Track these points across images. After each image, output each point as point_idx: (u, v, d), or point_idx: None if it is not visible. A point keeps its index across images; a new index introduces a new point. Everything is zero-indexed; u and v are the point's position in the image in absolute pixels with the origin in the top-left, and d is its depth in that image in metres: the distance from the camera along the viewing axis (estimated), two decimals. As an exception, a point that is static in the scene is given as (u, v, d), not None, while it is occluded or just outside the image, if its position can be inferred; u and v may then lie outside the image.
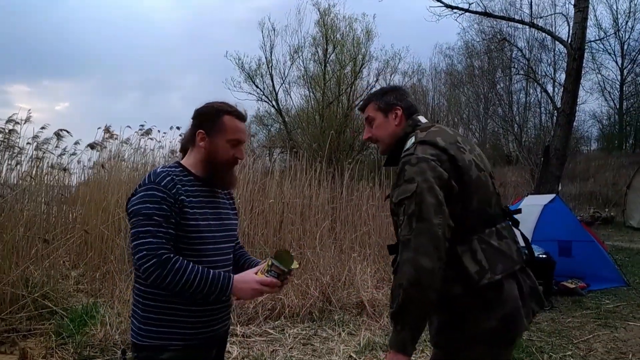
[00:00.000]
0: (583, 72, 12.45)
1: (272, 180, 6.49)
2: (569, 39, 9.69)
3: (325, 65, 22.36)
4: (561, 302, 5.56)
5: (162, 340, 1.66)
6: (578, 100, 10.12)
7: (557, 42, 16.30)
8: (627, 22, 25.31)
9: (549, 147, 10.12)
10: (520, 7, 18.32)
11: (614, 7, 25.16)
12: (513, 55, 22.58)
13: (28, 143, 6.08)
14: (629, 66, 26.03)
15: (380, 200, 6.94)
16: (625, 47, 25.76)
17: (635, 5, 24.78)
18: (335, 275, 5.13)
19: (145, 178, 1.69)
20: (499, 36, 19.56)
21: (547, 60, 24.15)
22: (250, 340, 4.13)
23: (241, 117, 1.80)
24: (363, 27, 22.18)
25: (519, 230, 1.85)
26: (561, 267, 5.89)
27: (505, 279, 1.65)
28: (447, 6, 10.60)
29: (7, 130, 5.75)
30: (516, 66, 22.45)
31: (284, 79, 22.97)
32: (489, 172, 1.80)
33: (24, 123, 5.85)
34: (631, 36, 25.42)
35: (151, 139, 7.07)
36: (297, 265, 1.80)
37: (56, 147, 6.51)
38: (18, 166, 5.89)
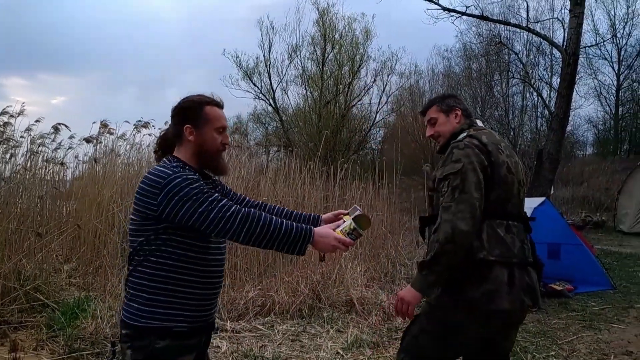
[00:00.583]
0: (579, 77, 12.61)
1: (266, 178, 6.54)
2: (564, 44, 9.78)
3: (323, 65, 22.44)
4: (548, 304, 5.63)
5: (168, 321, 1.73)
6: (573, 104, 10.26)
7: (554, 47, 16.43)
8: (624, 27, 25.46)
9: (542, 150, 10.21)
10: (518, 11, 18.47)
11: (612, 12, 25.27)
12: (510, 59, 22.71)
13: (22, 137, 6.11)
14: (625, 72, 26.17)
15: (373, 199, 7.02)
16: (622, 52, 25.90)
17: (633, 11, 24.93)
18: (325, 273, 5.19)
19: (161, 174, 1.73)
20: (496, 39, 19.67)
21: (544, 65, 24.30)
22: (240, 335, 4.19)
23: (220, 105, 1.91)
24: (362, 27, 22.33)
25: (529, 236, 2.13)
26: (549, 269, 5.95)
27: (499, 264, 1.94)
28: (444, 9, 10.69)
29: (1, 123, 5.78)
30: (513, 70, 22.57)
31: (281, 77, 23.04)
32: (520, 180, 2.12)
33: (18, 116, 5.88)
34: (628, 42, 25.58)
35: (149, 134, 7.08)
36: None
37: (52, 141, 6.56)
38: (13, 159, 5.92)
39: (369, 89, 22.95)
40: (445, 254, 1.89)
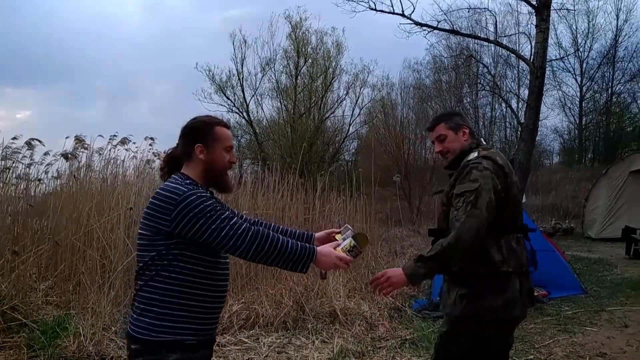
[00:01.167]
0: (545, 89, 13.03)
1: (245, 192, 6.56)
2: (531, 58, 10.14)
3: (296, 78, 22.60)
4: (524, 310, 5.78)
5: (179, 335, 1.78)
6: (540, 115, 10.58)
7: (520, 60, 16.99)
8: (585, 42, 26.50)
9: (513, 160, 10.52)
10: (486, 25, 19.04)
11: (574, 27, 26.29)
12: (479, 72, 23.33)
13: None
14: (588, 83, 27.21)
15: (352, 211, 7.11)
16: (584, 65, 26.93)
17: (594, 25, 26.00)
18: (308, 285, 5.23)
19: (175, 190, 1.78)
20: (465, 52, 20.20)
21: (512, 77, 25.06)
22: (225, 349, 4.19)
23: (228, 125, 2.04)
24: (333, 41, 22.56)
25: (529, 243, 2.38)
26: (524, 275, 6.14)
27: (515, 274, 2.18)
28: (417, 24, 10.95)
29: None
30: (482, 82, 23.18)
31: (255, 90, 23.07)
32: (519, 196, 2.37)
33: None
34: (589, 55, 26.62)
35: (127, 149, 7.01)
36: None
37: (22, 157, 6.43)
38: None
39: (341, 102, 23.20)
40: (444, 257, 2.08)
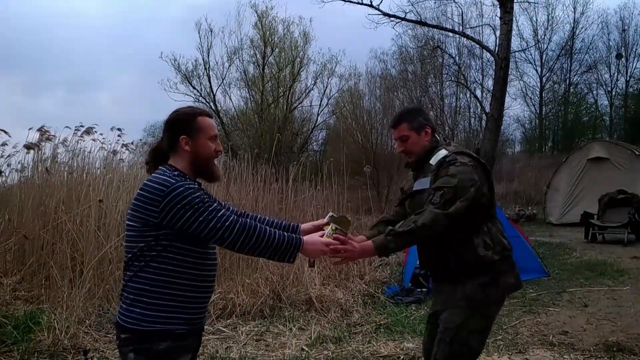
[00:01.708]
0: (508, 79, 13.40)
1: (220, 182, 6.53)
2: (496, 49, 10.41)
3: (263, 68, 22.43)
4: (492, 293, 6.01)
5: (169, 324, 1.80)
6: (505, 105, 10.95)
7: (484, 50, 17.39)
8: (545, 33, 27.29)
9: (479, 149, 10.82)
10: (452, 16, 19.34)
11: (534, 19, 27.02)
12: (444, 62, 23.72)
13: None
14: (547, 74, 28.09)
15: (326, 201, 7.19)
16: (544, 56, 27.76)
17: (553, 18, 26.79)
18: (284, 274, 5.29)
19: (163, 182, 1.80)
20: (431, 43, 20.50)
21: (476, 67, 25.59)
22: (204, 338, 4.19)
23: (210, 115, 2.04)
24: (300, 31, 22.45)
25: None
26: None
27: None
28: (385, 14, 11.07)
29: None
30: (448, 72, 23.58)
31: (222, 80, 22.80)
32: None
33: None
34: (549, 47, 27.46)
35: (94, 140, 6.85)
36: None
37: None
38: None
39: (309, 92, 23.17)
40: (414, 235, 2.15)
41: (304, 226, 2.27)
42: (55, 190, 6.02)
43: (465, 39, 16.74)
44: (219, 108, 22.97)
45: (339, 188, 7.95)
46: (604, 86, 27.73)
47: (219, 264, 5.44)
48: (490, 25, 18.53)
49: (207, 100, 22.84)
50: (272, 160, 7.82)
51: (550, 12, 26.78)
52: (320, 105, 23.10)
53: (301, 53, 22.54)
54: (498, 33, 10.95)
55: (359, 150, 19.28)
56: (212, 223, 1.77)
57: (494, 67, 10.76)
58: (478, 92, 24.51)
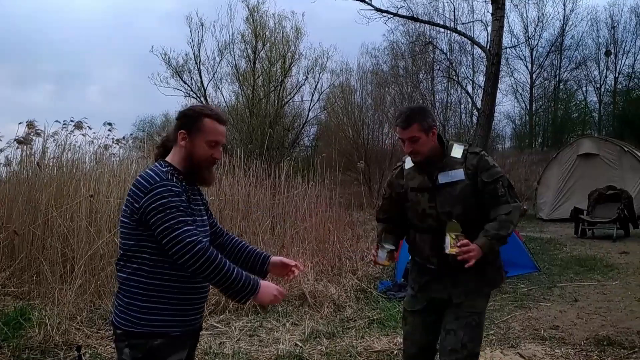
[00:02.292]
0: (500, 76, 13.47)
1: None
2: (488, 45, 10.44)
3: (254, 62, 22.34)
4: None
5: (162, 327, 1.78)
6: (496, 101, 11.00)
7: (475, 46, 17.44)
8: (535, 29, 27.40)
9: (470, 145, 10.80)
10: (443, 12, 19.38)
11: (524, 15, 27.11)
12: (435, 58, 23.74)
13: None
14: (537, 71, 28.22)
15: (318, 197, 7.19)
16: (534, 53, 27.89)
17: (543, 14, 26.90)
18: (277, 269, 5.27)
19: (149, 178, 1.78)
20: (422, 38, 20.51)
21: (467, 63, 25.65)
22: (197, 334, 4.19)
23: (221, 120, 1.93)
24: (292, 25, 22.38)
25: None
26: (483, 256, 6.39)
27: None
28: (377, 10, 11.05)
29: None
30: (439, 68, 23.62)
31: (213, 74, 22.68)
32: None
33: None
34: (539, 43, 27.58)
35: (84, 134, 6.78)
36: None
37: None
38: None
39: (301, 87, 23.13)
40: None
41: (274, 259, 2.14)
42: (45, 186, 5.96)
43: (456, 34, 16.81)
44: (210, 103, 22.85)
45: (331, 183, 7.95)
46: (593, 83, 27.92)
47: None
48: (481, 21, 18.59)
49: (198, 95, 22.75)
50: (264, 156, 7.81)
51: (540, 8, 26.90)
52: (311, 100, 23.12)
53: (292, 48, 22.51)
54: (489, 29, 10.99)
55: (350, 145, 19.31)
56: (174, 234, 1.69)
57: (485, 63, 10.80)
58: (469, 88, 24.61)
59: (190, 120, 1.90)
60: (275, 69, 22.45)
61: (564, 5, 26.74)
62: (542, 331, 4.45)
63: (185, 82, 22.51)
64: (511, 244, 6.87)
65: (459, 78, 23.30)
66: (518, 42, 25.43)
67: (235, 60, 22.62)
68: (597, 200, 10.52)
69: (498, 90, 12.77)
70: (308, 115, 23.39)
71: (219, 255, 1.74)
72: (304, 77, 22.92)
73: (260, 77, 22.22)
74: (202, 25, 22.17)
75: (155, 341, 1.77)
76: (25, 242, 5.48)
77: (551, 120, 28.92)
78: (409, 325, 2.58)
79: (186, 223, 1.72)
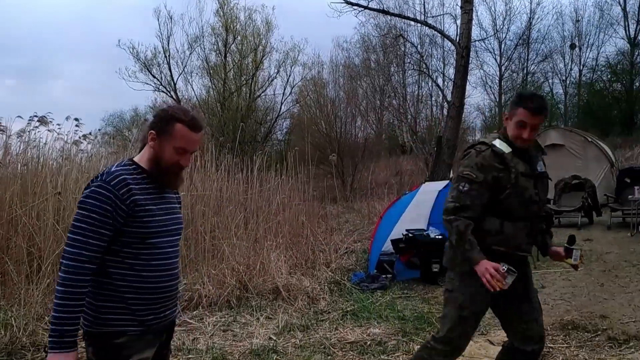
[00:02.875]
0: (469, 68, 13.66)
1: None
2: (457, 38, 10.58)
3: (225, 56, 22.09)
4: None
5: (120, 327, 1.76)
6: (465, 94, 11.16)
7: (445, 39, 17.63)
8: (503, 22, 27.88)
9: (441, 137, 11.02)
10: (413, 5, 19.51)
11: (492, 8, 27.55)
12: (406, 51, 23.92)
13: None
14: (506, 63, 28.76)
15: (292, 191, 7.18)
16: (503, 46, 28.39)
17: (510, 8, 27.38)
18: (250, 264, 5.27)
19: (99, 175, 1.78)
20: (393, 31, 20.62)
21: (437, 56, 25.91)
22: (170, 331, 4.15)
23: (195, 127, 1.84)
24: (263, 19, 22.21)
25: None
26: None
27: None
28: (348, 3, 11.05)
29: None
30: (410, 60, 23.81)
31: (183, 68, 22.34)
32: None
33: None
34: (507, 36, 28.09)
35: (50, 130, 6.59)
36: None
37: None
38: None
39: (272, 80, 22.99)
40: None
41: None
42: (9, 183, 5.78)
43: (427, 27, 16.96)
44: (180, 97, 22.54)
45: (305, 177, 7.95)
46: (559, 75, 28.65)
47: (183, 256, 5.42)
48: (451, 15, 18.82)
49: (168, 89, 22.42)
50: (236, 150, 7.75)
51: (508, 2, 27.39)
52: (283, 94, 23.01)
53: (264, 41, 22.34)
54: (459, 22, 11.12)
55: (323, 139, 19.31)
56: (70, 238, 1.70)
57: (455, 56, 10.93)
58: (440, 81, 24.85)
59: (161, 122, 1.83)
60: (246, 62, 22.27)
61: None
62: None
63: (154, 76, 22.14)
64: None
65: (430, 71, 23.50)
66: (487, 35, 25.83)
67: (205, 53, 22.36)
68: (563, 190, 10.81)
69: (468, 83, 12.98)
70: (280, 108, 23.31)
71: (79, 284, 1.66)
72: (276, 71, 22.81)
73: (232, 71, 22.00)
74: (171, 18, 21.84)
75: (115, 340, 1.75)
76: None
77: (519, 112, 29.47)
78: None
79: (85, 236, 1.68)
